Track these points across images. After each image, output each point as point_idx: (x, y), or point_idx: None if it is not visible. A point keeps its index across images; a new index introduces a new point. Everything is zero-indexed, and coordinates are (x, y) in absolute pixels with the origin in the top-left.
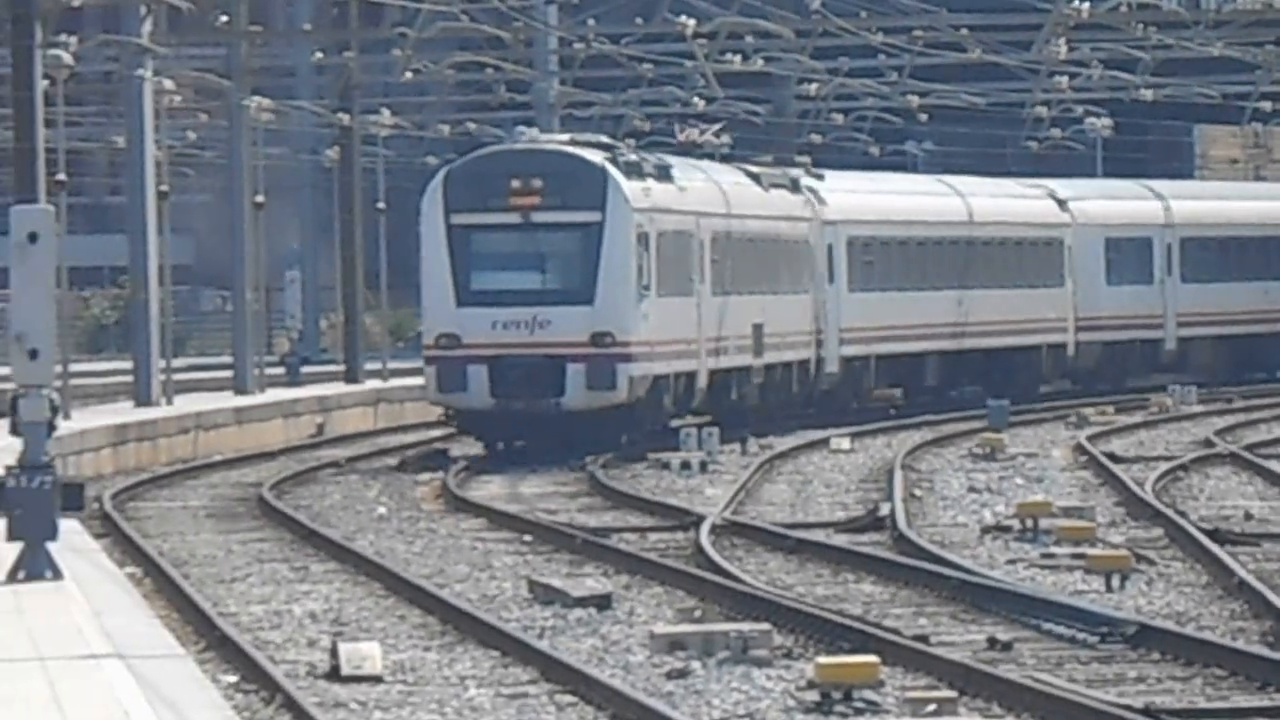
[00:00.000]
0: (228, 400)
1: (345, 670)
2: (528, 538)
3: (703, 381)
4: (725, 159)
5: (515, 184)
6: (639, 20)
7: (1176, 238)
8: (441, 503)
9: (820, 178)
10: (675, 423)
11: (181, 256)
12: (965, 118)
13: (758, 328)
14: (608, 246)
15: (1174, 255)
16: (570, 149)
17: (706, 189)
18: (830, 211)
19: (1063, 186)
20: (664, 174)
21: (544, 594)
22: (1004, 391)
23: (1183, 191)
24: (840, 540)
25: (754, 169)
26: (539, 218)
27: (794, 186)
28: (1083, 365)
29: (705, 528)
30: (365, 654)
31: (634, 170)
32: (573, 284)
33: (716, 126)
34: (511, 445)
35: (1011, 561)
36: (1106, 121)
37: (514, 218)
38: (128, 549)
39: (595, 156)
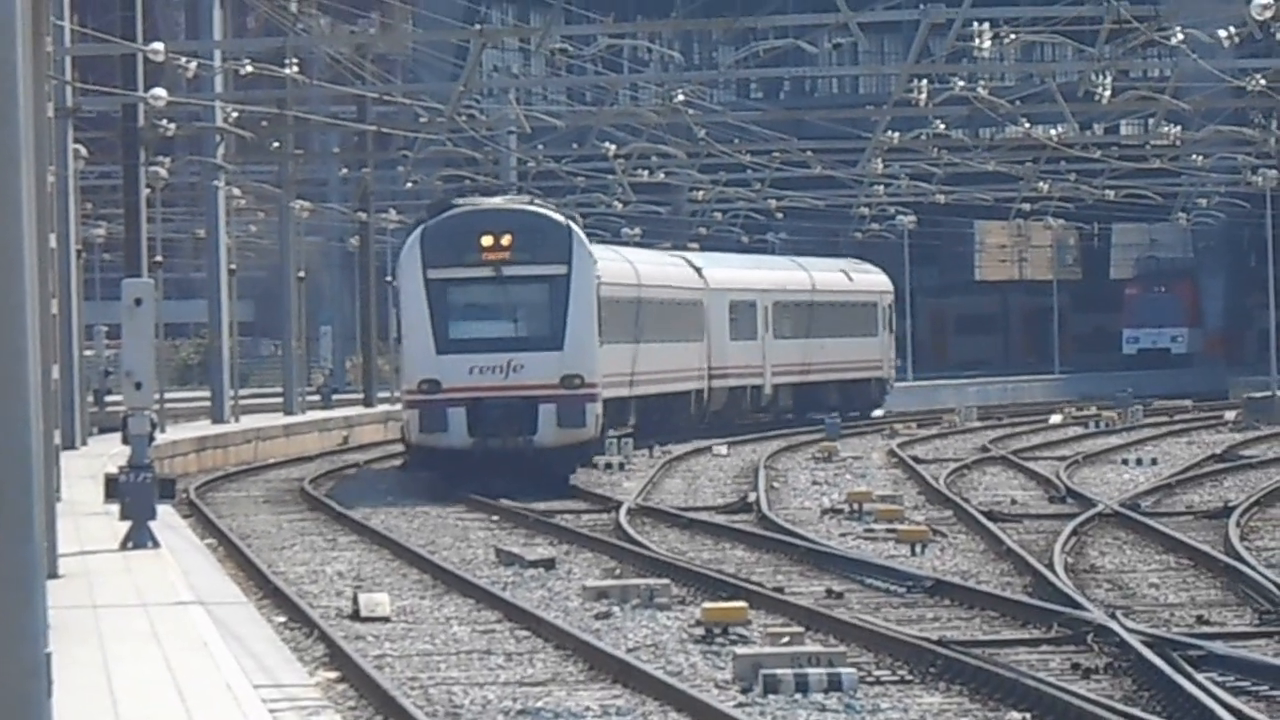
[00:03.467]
0: (279, 419)
1: (363, 613)
2: (495, 517)
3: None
4: (639, 246)
5: (487, 240)
6: (575, 145)
7: (771, 301)
8: (431, 493)
9: None
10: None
11: (245, 315)
12: (810, 215)
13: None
14: (575, 296)
15: (770, 316)
16: (536, 208)
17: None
18: None
19: (697, 257)
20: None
21: (507, 558)
22: (659, 430)
23: (775, 264)
24: (720, 519)
25: None
26: (510, 271)
27: None
28: (714, 408)
29: (623, 510)
30: (378, 601)
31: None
32: (543, 331)
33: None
34: (489, 483)
35: (843, 534)
36: (911, 218)
37: (487, 271)
38: (207, 526)
39: (559, 215)
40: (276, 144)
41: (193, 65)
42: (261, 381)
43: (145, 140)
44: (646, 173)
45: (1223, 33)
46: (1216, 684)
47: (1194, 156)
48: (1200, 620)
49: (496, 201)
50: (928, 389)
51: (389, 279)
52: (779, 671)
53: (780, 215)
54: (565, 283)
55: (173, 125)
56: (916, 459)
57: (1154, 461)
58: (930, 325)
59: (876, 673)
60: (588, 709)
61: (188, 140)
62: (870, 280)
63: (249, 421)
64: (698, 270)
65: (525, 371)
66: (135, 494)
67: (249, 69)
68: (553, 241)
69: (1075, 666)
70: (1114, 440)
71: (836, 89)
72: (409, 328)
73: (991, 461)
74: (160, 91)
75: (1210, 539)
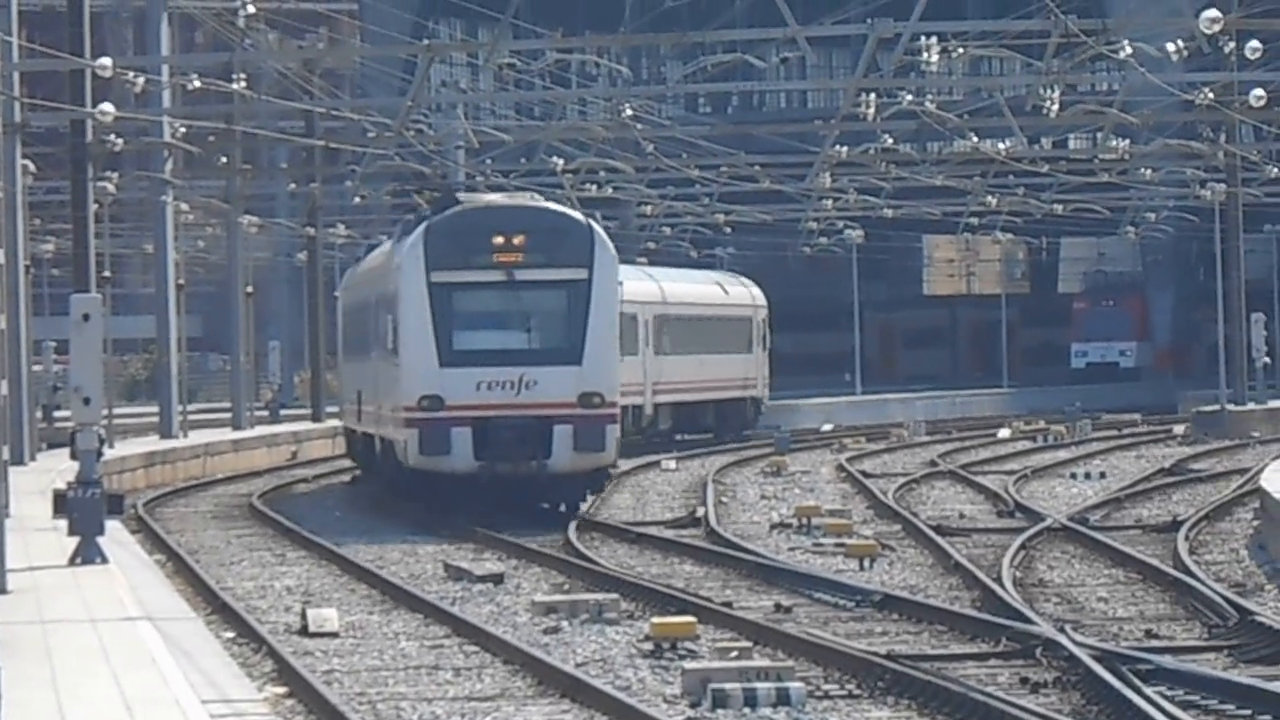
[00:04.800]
0: (227, 434)
1: (312, 628)
2: (443, 532)
3: None
4: None
5: (498, 240)
6: (523, 160)
7: (652, 315)
8: (380, 509)
9: None
10: None
11: (194, 330)
12: (758, 230)
13: None
14: (595, 304)
15: (650, 330)
16: (554, 206)
17: None
18: None
19: None
20: None
21: (455, 573)
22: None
23: (652, 274)
24: (669, 534)
25: None
26: (523, 275)
27: None
28: None
29: (572, 525)
30: (326, 617)
31: None
32: (560, 343)
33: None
34: (494, 510)
35: (792, 549)
36: (859, 232)
37: (498, 275)
38: (155, 541)
39: (579, 214)
40: (224, 159)
41: (141, 80)
42: (210, 397)
43: (93, 155)
44: (594, 187)
45: (1171, 46)
46: (1165, 698)
47: (1142, 170)
48: (1149, 634)
49: (504, 197)
50: (876, 403)
51: (335, 294)
52: (727, 686)
53: (729, 230)
54: (585, 289)
55: (121, 140)
56: (865, 473)
57: (1102, 475)
58: (878, 339)
59: (825, 687)
60: None
61: (136, 155)
62: (745, 294)
63: (197, 437)
64: None
65: (539, 388)
66: (84, 509)
67: (197, 84)
68: (572, 243)
69: (1024, 680)
70: (1062, 454)
71: (784, 103)
72: (408, 337)
73: (940, 476)
74: (108, 107)
75: (1159, 553)
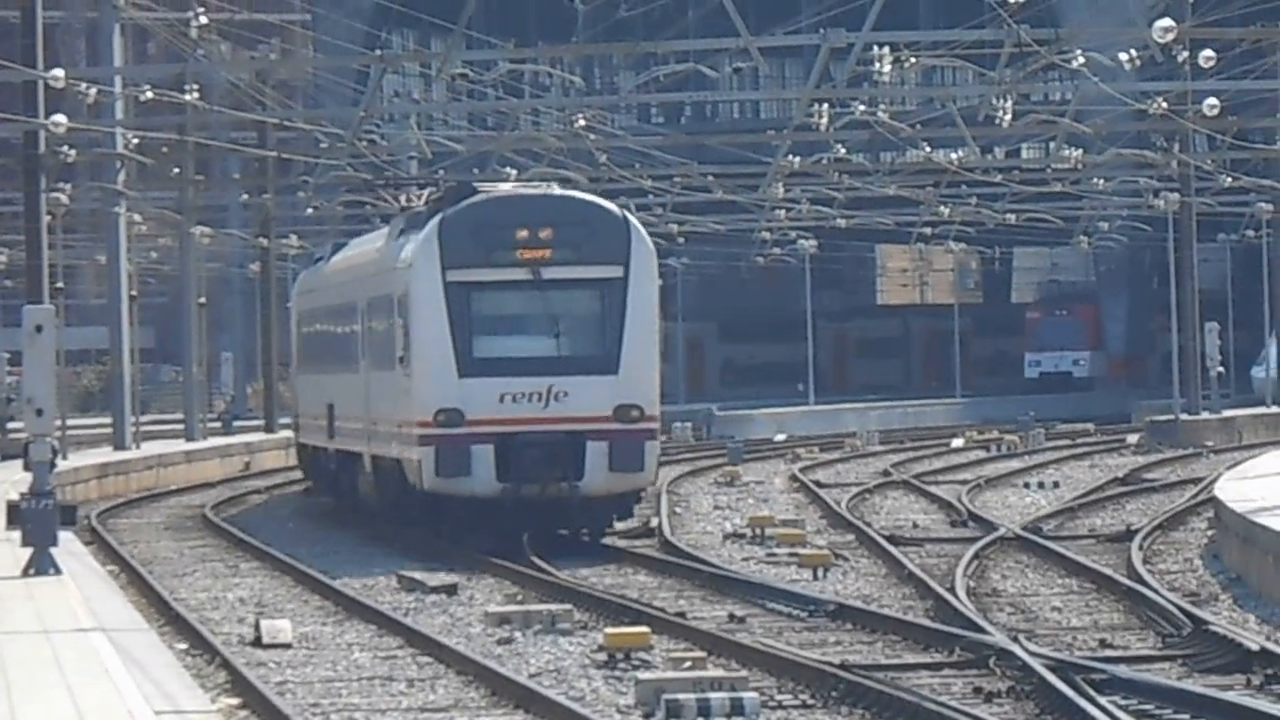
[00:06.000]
0: (180, 445)
1: (265, 640)
2: (397, 543)
3: None
4: None
5: (522, 234)
6: (476, 170)
7: None
8: (333, 519)
9: None
10: None
11: (146, 342)
12: (711, 240)
13: None
14: (633, 306)
15: None
16: (586, 196)
17: None
18: None
19: None
20: None
21: (408, 584)
22: None
23: None
24: (622, 544)
25: None
26: (551, 273)
27: None
28: None
29: (525, 535)
30: (280, 628)
31: None
32: (593, 350)
33: (429, 190)
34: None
35: (745, 559)
36: (813, 242)
37: (522, 273)
38: (108, 553)
39: (613, 205)
40: (177, 170)
41: (93, 91)
42: (163, 408)
43: (46, 167)
44: None
45: (1124, 56)
46: (1119, 708)
47: (1095, 180)
48: (1103, 644)
49: (527, 186)
50: (829, 413)
51: (289, 304)
52: (681, 697)
53: (682, 240)
54: (621, 289)
55: (73, 151)
56: (818, 483)
57: (1056, 485)
58: (832, 349)
59: (779, 697)
60: None
61: (88, 166)
62: None
63: (150, 448)
64: None
65: (570, 400)
66: (37, 521)
67: (149, 95)
68: (605, 236)
69: (978, 690)
70: (1016, 464)
71: (738, 113)
72: (421, 344)
73: (893, 485)
74: (61, 118)
75: (1113, 562)
